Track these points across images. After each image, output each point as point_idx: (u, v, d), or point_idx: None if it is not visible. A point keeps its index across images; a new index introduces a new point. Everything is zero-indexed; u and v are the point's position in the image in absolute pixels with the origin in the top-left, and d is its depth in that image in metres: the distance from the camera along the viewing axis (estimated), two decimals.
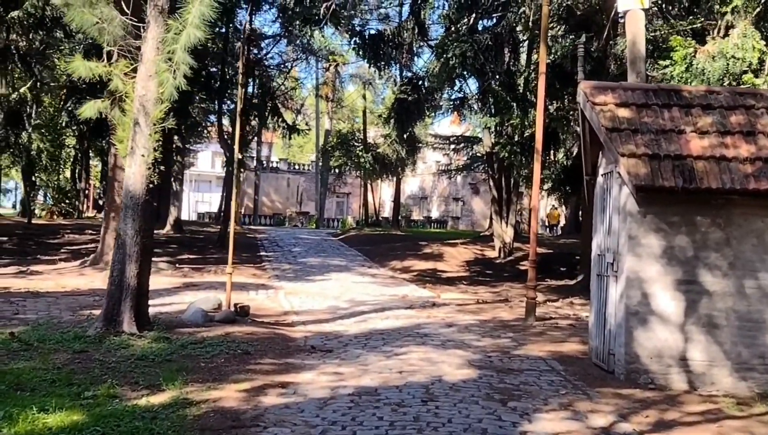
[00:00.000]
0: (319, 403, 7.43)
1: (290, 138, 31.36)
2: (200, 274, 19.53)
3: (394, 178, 39.09)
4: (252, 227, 42.66)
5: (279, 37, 28.77)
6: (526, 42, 21.80)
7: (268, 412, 7.05)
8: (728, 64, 12.58)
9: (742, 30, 12.92)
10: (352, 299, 16.34)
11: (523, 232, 35.22)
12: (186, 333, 10.81)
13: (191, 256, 23.33)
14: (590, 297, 10.51)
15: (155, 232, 29.08)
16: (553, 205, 45.74)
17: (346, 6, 24.51)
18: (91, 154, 42.54)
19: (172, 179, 32.01)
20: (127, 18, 10.51)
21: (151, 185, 10.53)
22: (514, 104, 19.84)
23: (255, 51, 28.90)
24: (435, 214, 61.47)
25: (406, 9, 25.02)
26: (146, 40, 10.42)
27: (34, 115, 29.05)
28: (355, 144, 33.04)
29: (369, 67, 25.59)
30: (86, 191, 44.72)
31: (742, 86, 12.70)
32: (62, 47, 24.69)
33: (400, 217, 43.55)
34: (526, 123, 20.58)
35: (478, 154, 38.03)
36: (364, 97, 44.52)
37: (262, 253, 26.48)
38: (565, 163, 21.41)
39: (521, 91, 21.27)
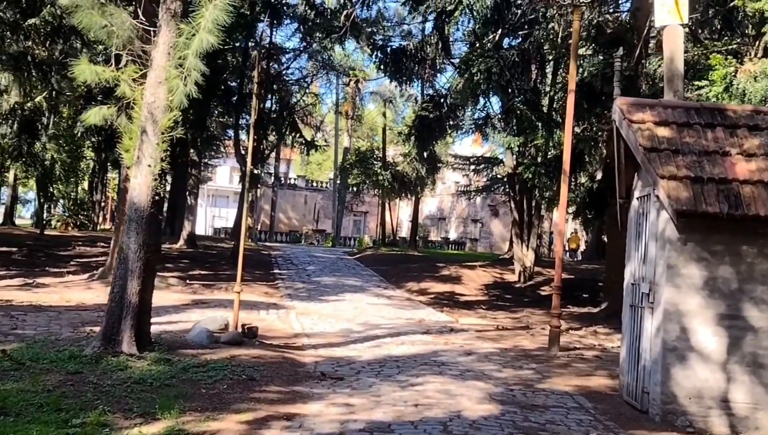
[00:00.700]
0: None
1: (308, 154, 30.86)
2: (210, 291, 18.94)
3: (413, 198, 38.45)
4: (267, 244, 42.13)
5: (299, 51, 28.38)
6: (553, 60, 21.16)
7: None
8: None
9: None
10: (367, 322, 15.67)
11: (543, 255, 34.44)
12: (189, 355, 10.19)
13: (203, 272, 22.78)
14: (621, 329, 9.80)
15: (168, 246, 28.82)
16: (574, 230, 44.90)
17: (368, 19, 24.12)
18: (109, 166, 42.27)
19: (187, 193, 31.57)
20: (137, 21, 10.01)
21: (157, 197, 9.97)
22: (539, 124, 19.20)
23: (275, 66, 28.52)
24: (453, 235, 60.72)
25: (429, 26, 24.52)
26: (157, 45, 9.91)
27: (52, 126, 28.67)
28: (374, 162, 32.51)
29: (390, 81, 25.04)
30: (102, 203, 44.45)
31: None
32: (81, 57, 24.34)
33: (417, 238, 42.86)
34: (551, 144, 19.94)
35: (498, 176, 37.38)
36: (384, 114, 44.00)
37: (275, 271, 25.88)
38: (591, 186, 20.68)
39: (546, 110, 20.63)
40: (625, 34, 16.50)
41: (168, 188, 39.41)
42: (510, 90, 19.27)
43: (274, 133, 28.07)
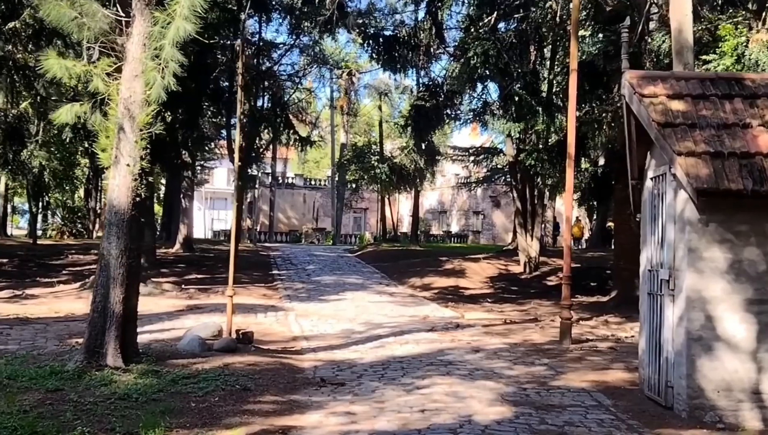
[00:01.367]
0: None
1: (303, 150, 30.19)
2: (206, 296, 18.33)
3: (413, 192, 37.81)
4: (266, 245, 41.48)
5: (290, 46, 27.70)
6: (551, 42, 20.40)
7: None
8: None
9: None
10: (369, 321, 15.04)
11: (546, 245, 33.78)
12: (179, 365, 9.56)
13: (199, 276, 22.17)
14: (639, 318, 9.17)
15: (163, 251, 28.23)
16: (577, 217, 44.22)
17: (359, 11, 23.46)
18: (105, 172, 41.60)
19: (182, 196, 30.93)
20: (110, 11, 9.37)
21: (138, 199, 9.33)
22: (539, 108, 18.53)
23: (265, 61, 27.82)
24: (455, 228, 60.03)
25: (421, 14, 23.71)
26: (131, 36, 9.26)
27: (42, 132, 27.96)
28: (372, 156, 31.88)
29: (384, 71, 24.34)
30: (98, 210, 43.83)
31: None
32: (48, 51, 23.62)
33: (419, 232, 42.21)
34: (552, 129, 19.28)
35: (498, 166, 36.71)
36: (380, 108, 43.33)
37: (274, 272, 25.26)
38: (595, 171, 20.01)
39: (546, 94, 19.94)
40: (626, 11, 15.80)
41: (163, 191, 39.02)
42: (508, 74, 18.54)
43: (267, 130, 27.38)
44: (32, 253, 26.68)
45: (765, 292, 7.52)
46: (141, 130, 9.21)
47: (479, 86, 22.19)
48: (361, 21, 24.98)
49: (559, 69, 19.89)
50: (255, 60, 26.69)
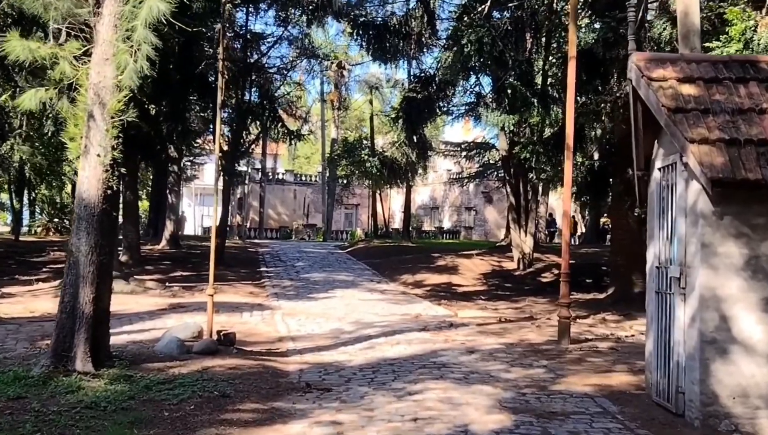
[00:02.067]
0: None
1: (291, 143, 29.49)
2: (191, 294, 17.68)
3: (404, 187, 37.19)
4: (256, 241, 40.79)
5: (278, 38, 26.98)
6: (546, 32, 19.73)
7: None
8: None
9: None
10: (359, 320, 14.43)
11: (539, 241, 33.22)
12: (154, 369, 8.95)
13: (184, 274, 21.50)
14: (646, 318, 8.61)
15: (149, 248, 27.53)
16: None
17: (349, 2, 22.76)
18: None
19: (168, 191, 30.21)
20: None
21: (109, 191, 8.69)
22: (534, 100, 17.92)
23: (254, 55, 27.08)
24: (447, 224, 59.47)
25: (413, 0, 22.97)
26: (102, 17, 8.63)
27: (26, 126, 27.16)
28: (362, 150, 31.25)
29: (374, 61, 23.66)
30: None
31: None
32: (11, 32, 22.81)
33: (410, 228, 41.60)
34: (548, 121, 18.68)
35: (491, 161, 36.17)
36: (370, 102, 42.65)
37: (262, 269, 24.60)
38: (591, 164, 19.42)
39: (541, 86, 19.33)
40: None
41: (152, 188, 38.24)
42: (503, 63, 17.90)
43: (255, 124, 26.70)
44: (13, 249, 25.96)
45: None
46: (112, 118, 8.57)
47: (472, 77, 21.57)
48: (350, 10, 24.31)
49: (554, 59, 19.26)
50: (243, 52, 26.02)
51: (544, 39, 20.12)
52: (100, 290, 8.66)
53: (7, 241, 29.58)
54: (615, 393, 8.52)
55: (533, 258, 24.92)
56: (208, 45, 25.60)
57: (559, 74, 17.89)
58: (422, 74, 24.15)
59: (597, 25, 16.79)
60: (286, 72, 28.12)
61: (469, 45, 16.16)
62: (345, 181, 39.16)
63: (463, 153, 36.94)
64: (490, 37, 16.34)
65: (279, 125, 25.64)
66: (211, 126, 31.17)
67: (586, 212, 39.73)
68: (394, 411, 7.47)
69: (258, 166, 51.83)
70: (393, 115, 24.30)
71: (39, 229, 37.79)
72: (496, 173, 38.32)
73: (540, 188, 27.38)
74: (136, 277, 19.11)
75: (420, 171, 35.09)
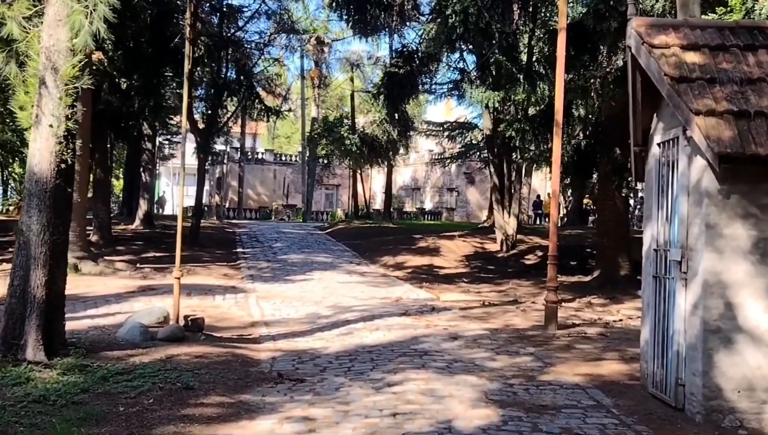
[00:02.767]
0: None
1: (269, 120, 28.68)
2: (162, 276, 16.98)
3: (385, 167, 36.51)
4: (234, 221, 39.99)
5: (255, 12, 26.10)
6: (533, 4, 18.99)
7: None
8: None
9: None
10: (336, 304, 13.83)
11: (522, 222, 32.71)
12: (114, 358, 8.30)
13: (157, 254, 20.75)
14: (642, 305, 8.07)
15: (122, 227, 26.73)
16: (548, 193, 43.20)
17: None
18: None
19: (142, 169, 29.33)
20: None
21: (63, 165, 7.98)
22: (520, 76, 17.29)
23: (231, 30, 26.19)
24: (428, 205, 58.86)
25: None
26: None
27: None
28: (342, 128, 30.50)
29: (354, 34, 22.78)
30: None
31: None
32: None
33: (392, 209, 40.95)
34: (534, 98, 18.07)
35: (473, 142, 35.55)
36: (351, 80, 41.82)
37: (238, 250, 23.90)
38: (578, 144, 18.84)
39: (526, 62, 18.68)
40: None
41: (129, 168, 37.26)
42: (489, 35, 17.20)
43: (232, 100, 25.90)
44: None
45: None
46: (66, 85, 7.85)
47: (457, 52, 20.84)
48: None
49: (541, 34, 18.59)
50: (219, 26, 25.16)
51: (530, 10, 19.42)
52: (54, 273, 7.98)
53: None
54: (607, 383, 7.99)
55: (516, 240, 24.41)
56: (183, 18, 24.73)
57: (546, 50, 17.24)
58: (404, 49, 23.43)
59: None
60: (264, 47, 27.22)
61: (454, 15, 15.50)
62: (325, 161, 38.45)
63: (446, 133, 36.28)
64: (475, 8, 15.68)
65: (257, 102, 24.85)
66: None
67: (569, 193, 39.28)
68: (372, 405, 6.89)
69: (237, 145, 50.86)
70: (374, 92, 23.56)
71: (11, 208, 36.74)
72: (479, 154, 37.71)
73: (524, 168, 26.79)
74: (105, 257, 18.40)
75: (401, 150, 34.44)
